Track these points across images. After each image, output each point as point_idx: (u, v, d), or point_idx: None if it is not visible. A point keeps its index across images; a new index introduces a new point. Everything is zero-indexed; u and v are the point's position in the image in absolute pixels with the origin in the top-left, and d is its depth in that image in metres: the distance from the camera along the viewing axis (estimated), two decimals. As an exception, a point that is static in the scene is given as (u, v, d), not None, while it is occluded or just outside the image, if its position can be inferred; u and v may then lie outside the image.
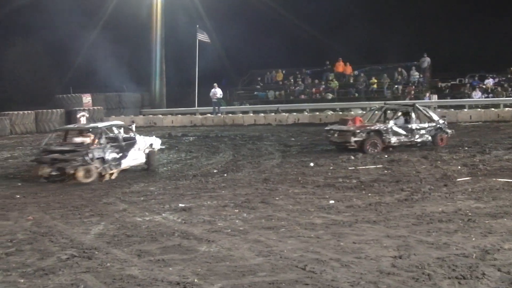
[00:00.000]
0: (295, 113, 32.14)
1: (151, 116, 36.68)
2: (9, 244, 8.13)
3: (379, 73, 37.44)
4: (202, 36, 37.62)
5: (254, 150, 19.35)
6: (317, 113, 31.81)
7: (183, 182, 13.31)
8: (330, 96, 36.79)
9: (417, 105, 18.89)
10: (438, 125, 18.20)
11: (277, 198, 10.80)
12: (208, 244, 7.71)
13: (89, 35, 40.93)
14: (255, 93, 40.26)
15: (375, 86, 36.57)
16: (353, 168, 14.40)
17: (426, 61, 36.27)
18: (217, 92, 34.31)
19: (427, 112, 18.95)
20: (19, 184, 13.95)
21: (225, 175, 14.15)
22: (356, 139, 17.15)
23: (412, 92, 34.45)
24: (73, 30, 39.57)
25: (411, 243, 7.43)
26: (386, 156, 16.24)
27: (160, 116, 36.05)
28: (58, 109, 34.41)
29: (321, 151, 18.09)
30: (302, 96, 38.00)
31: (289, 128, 28.10)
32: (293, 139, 22.64)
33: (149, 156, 15.90)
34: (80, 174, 13.69)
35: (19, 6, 40.95)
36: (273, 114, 32.93)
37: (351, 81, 38.06)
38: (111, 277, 6.50)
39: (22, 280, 6.51)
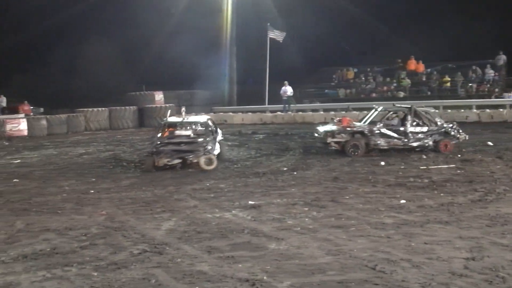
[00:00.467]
0: (365, 112, 31.75)
1: (221, 113, 36.97)
2: (84, 238, 8.35)
3: (453, 71, 36.60)
4: (273, 34, 37.64)
5: (324, 148, 19.23)
6: (389, 111, 31.33)
7: (253, 179, 13.36)
8: (401, 94, 36.20)
9: (415, 107, 17.80)
10: (441, 130, 17.06)
11: (346, 197, 10.73)
12: (278, 242, 7.72)
13: (161, 34, 41.63)
14: (325, 91, 40.06)
15: (448, 84, 35.71)
16: (425, 167, 14.15)
17: (502, 58, 35.15)
18: (288, 90, 34.29)
19: (430, 116, 17.66)
20: (93, 179, 14.30)
21: (295, 173, 14.13)
22: (335, 140, 17.06)
23: (496, 90, 33.49)
24: (146, 29, 40.36)
25: (485, 245, 7.25)
26: (459, 155, 15.91)
27: (231, 113, 36.29)
28: (131, 106, 35.18)
29: (392, 150, 17.82)
30: (373, 95, 37.57)
31: (360, 127, 27.80)
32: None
33: (221, 146, 17.08)
34: (203, 162, 15.22)
35: (93, 5, 42.00)
36: (343, 112, 32.67)
37: (424, 79, 37.37)
38: (181, 273, 6.59)
39: (95, 274, 6.67)
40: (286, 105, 34.77)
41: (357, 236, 7.90)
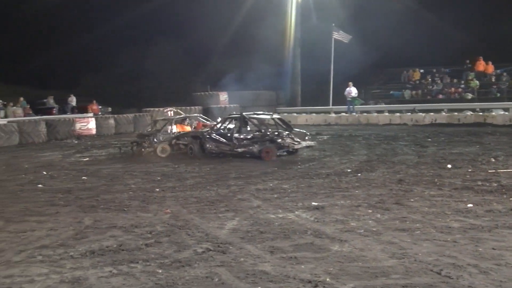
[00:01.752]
0: (432, 113, 31.27)
1: (285, 114, 37.00)
2: (149, 235, 8.48)
3: (524, 72, 35.69)
4: (338, 35, 37.44)
5: (389, 150, 19.04)
6: (456, 113, 30.76)
7: (317, 180, 13.31)
8: (469, 96, 35.50)
9: (245, 115, 18.81)
10: (266, 137, 17.62)
11: (412, 200, 10.56)
12: (341, 244, 7.67)
13: (226, 35, 41.96)
14: (391, 92, 39.64)
15: (518, 85, 34.86)
16: (494, 170, 13.80)
17: None
18: (352, 90, 34.08)
19: (260, 123, 18.31)
20: (158, 178, 14.52)
21: (359, 174, 14.00)
22: (180, 142, 19.17)
23: None
24: (211, 30, 40.77)
25: (557, 252, 7.03)
26: (530, 159, 15.49)
27: (295, 114, 36.31)
28: (196, 106, 35.62)
29: (458, 153, 17.50)
30: (440, 96, 36.95)
31: (426, 129, 27.43)
32: (429, 139, 22.04)
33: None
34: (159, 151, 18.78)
35: (160, 6, 42.67)
36: (409, 113, 32.25)
37: (493, 80, 36.50)
38: (244, 272, 6.62)
39: (160, 271, 6.77)
40: (351, 106, 34.54)
41: (422, 239, 7.77)
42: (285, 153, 18.16)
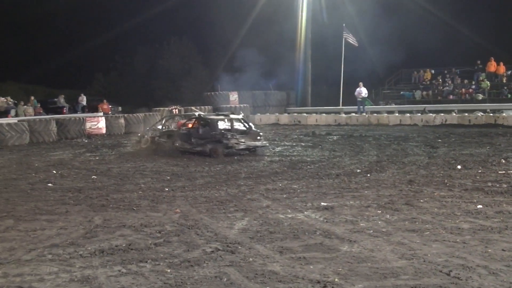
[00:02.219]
0: (442, 114, 31.17)
1: (295, 114, 37.02)
2: (158, 235, 8.50)
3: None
4: (348, 37, 37.39)
5: (399, 150, 18.99)
6: (466, 114, 30.66)
7: (326, 181, 13.30)
8: (480, 96, 35.38)
9: (202, 115, 20.69)
10: (215, 138, 18.76)
11: (421, 201, 10.54)
12: (350, 244, 7.66)
13: (238, 35, 42.02)
14: (401, 92, 39.56)
15: (529, 87, 34.70)
16: (504, 172, 13.75)
17: None
18: (362, 91, 34.05)
19: (213, 124, 19.46)
20: (168, 178, 14.54)
21: (369, 175, 13.98)
22: (161, 139, 20.60)
23: None
24: (223, 30, 40.82)
25: None
26: (540, 160, 15.42)
27: (305, 114, 36.27)
28: (206, 106, 35.70)
29: (469, 154, 17.44)
30: (451, 97, 36.86)
31: (436, 129, 27.35)
32: (440, 140, 21.98)
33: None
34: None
35: (173, 7, 42.77)
36: (419, 114, 32.17)
37: (504, 81, 36.34)
38: (253, 272, 6.63)
39: (169, 270, 6.78)
40: (361, 107, 34.50)
41: (432, 240, 7.75)
42: (247, 152, 19.14)
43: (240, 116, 21.34)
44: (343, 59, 37.54)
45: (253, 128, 19.86)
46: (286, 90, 41.69)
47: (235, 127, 19.99)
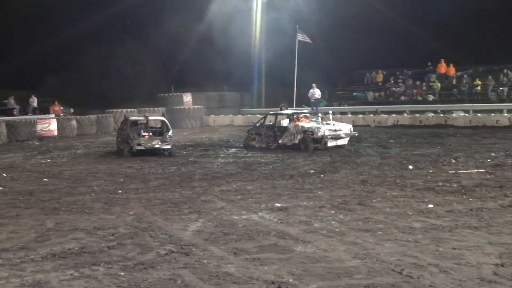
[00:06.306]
0: (394, 115, 31.65)
1: (249, 115, 37.07)
2: (111, 238, 8.41)
3: (484, 75, 36.24)
4: (302, 37, 37.57)
5: (352, 151, 19.19)
6: (418, 115, 31.20)
7: (280, 182, 13.36)
8: (431, 97, 35.97)
9: (127, 117, 21.43)
10: (126, 138, 19.65)
11: (374, 201, 10.67)
12: (304, 245, 7.71)
13: (191, 36, 41.86)
14: (354, 94, 39.93)
15: (479, 88, 35.35)
16: (454, 171, 14.02)
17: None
18: (316, 92, 34.18)
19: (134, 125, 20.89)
20: (121, 180, 14.41)
21: (322, 176, 14.09)
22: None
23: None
24: (177, 31, 40.57)
25: (515, 251, 7.17)
26: (488, 160, 15.75)
27: (259, 115, 36.31)
28: (159, 107, 35.45)
29: (420, 154, 17.73)
30: (402, 98, 37.35)
31: (388, 130, 27.74)
32: (392, 141, 22.30)
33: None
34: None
35: (126, 7, 42.37)
36: (372, 115, 32.55)
37: (454, 82, 37.03)
38: (208, 274, 6.61)
39: (122, 273, 6.72)
40: (315, 108, 34.70)
41: (384, 240, 7.86)
42: (166, 153, 19.51)
43: (159, 117, 22.10)
44: (297, 61, 37.69)
45: (170, 132, 20.08)
46: (240, 91, 41.71)
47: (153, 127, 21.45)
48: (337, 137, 19.60)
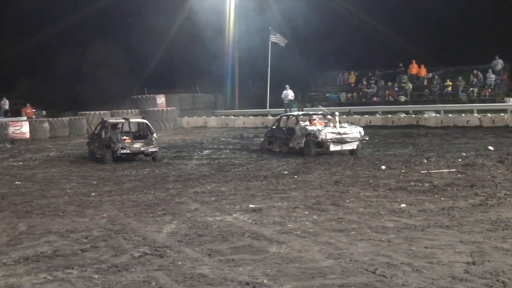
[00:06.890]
0: (367, 116, 31.85)
1: (223, 117, 37.06)
2: (85, 240, 8.37)
3: (454, 76, 36.67)
4: (275, 38, 37.68)
5: (325, 151, 19.26)
6: (390, 115, 31.45)
7: (254, 183, 13.38)
8: (403, 98, 36.29)
9: (105, 120, 20.34)
10: (104, 143, 18.69)
11: (348, 201, 10.75)
12: (278, 245, 7.74)
13: (164, 38, 41.74)
14: (327, 95, 40.08)
15: (449, 88, 35.77)
16: (426, 171, 14.17)
17: (499, 63, 35.40)
18: (289, 93, 34.27)
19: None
20: (95, 182, 14.33)
21: (296, 176, 14.15)
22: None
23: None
24: (149, 32, 40.46)
25: (486, 249, 7.26)
26: (459, 160, 15.94)
27: (232, 117, 36.39)
28: (133, 109, 35.28)
29: (393, 154, 17.89)
30: (375, 99, 37.64)
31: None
32: (364, 141, 22.42)
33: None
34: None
35: (99, 8, 42.14)
36: (344, 116, 32.71)
37: (425, 83, 37.40)
38: (182, 276, 6.61)
39: (96, 276, 6.69)
40: (288, 109, 34.78)
41: (358, 240, 7.92)
42: (148, 157, 18.93)
43: (141, 120, 22.07)
44: (270, 62, 37.78)
45: (154, 134, 19.26)
46: (214, 93, 41.67)
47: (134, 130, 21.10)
48: (342, 141, 18.10)
